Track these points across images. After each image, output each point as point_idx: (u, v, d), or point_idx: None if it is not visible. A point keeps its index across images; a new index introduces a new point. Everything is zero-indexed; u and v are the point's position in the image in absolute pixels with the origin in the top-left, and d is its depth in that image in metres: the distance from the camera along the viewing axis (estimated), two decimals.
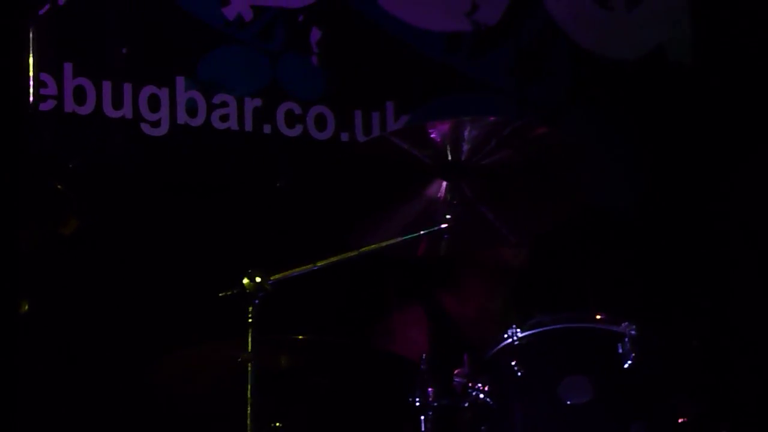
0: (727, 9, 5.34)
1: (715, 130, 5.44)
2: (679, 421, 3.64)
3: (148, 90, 4.73)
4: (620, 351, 3.62)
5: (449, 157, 3.68)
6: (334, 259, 3.53)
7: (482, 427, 3.66)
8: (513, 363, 3.63)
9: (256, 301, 3.44)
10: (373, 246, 3.61)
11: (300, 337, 3.76)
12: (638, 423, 3.56)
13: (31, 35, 2.72)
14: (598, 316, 3.70)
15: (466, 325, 4.50)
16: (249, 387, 3.37)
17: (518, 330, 3.67)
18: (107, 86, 4.65)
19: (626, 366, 3.59)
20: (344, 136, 5.07)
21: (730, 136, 5.28)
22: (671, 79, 5.63)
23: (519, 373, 3.62)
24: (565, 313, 3.73)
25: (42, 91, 4.45)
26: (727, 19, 5.36)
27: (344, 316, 4.70)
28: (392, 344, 4.41)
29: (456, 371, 3.71)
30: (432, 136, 3.64)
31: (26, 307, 2.63)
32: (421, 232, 3.63)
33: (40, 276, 3.21)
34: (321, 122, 5.00)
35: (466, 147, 3.67)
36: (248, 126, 4.89)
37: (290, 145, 4.95)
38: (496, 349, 3.71)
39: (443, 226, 3.64)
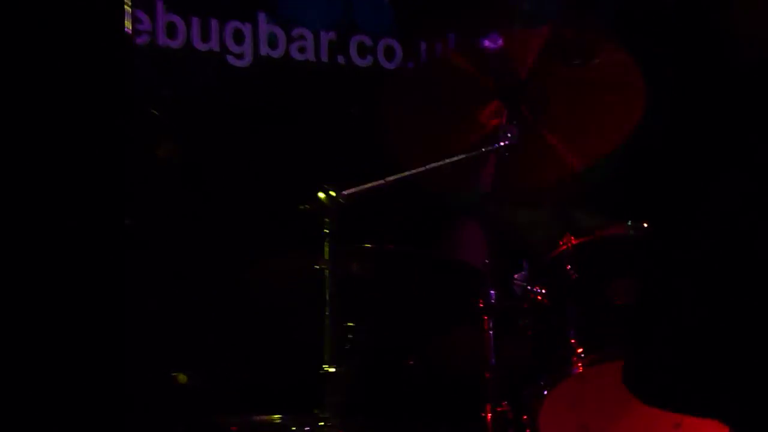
0: None
1: None
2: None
3: (232, 25, 4.73)
4: None
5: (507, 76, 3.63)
6: (401, 175, 3.51)
7: (540, 326, 3.71)
8: (568, 267, 3.67)
9: (332, 214, 3.44)
10: (436, 163, 3.54)
11: (370, 246, 3.74)
12: None
13: None
14: (645, 224, 3.68)
15: (520, 236, 4.36)
16: (327, 291, 3.39)
17: (572, 237, 3.70)
18: (196, 22, 4.66)
19: None
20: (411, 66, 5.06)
21: None
22: None
23: (573, 277, 3.67)
24: (611, 222, 3.74)
25: (138, 27, 4.44)
26: None
27: (411, 229, 4.62)
28: (455, 254, 4.33)
29: (516, 276, 3.81)
30: (487, 46, 3.58)
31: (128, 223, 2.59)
32: (483, 150, 3.57)
33: (139, 194, 3.05)
34: (390, 53, 5.02)
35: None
36: (324, 57, 4.90)
37: (362, 75, 4.94)
38: (552, 255, 3.73)
39: (503, 144, 3.57)
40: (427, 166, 3.53)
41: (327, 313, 3.39)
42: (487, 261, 3.64)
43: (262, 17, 4.80)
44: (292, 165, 4.56)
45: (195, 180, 4.37)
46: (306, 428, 3.55)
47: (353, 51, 4.96)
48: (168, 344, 4.09)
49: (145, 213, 3.08)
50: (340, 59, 4.93)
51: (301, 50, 4.88)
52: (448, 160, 3.56)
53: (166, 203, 4.08)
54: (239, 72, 4.75)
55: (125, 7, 2.68)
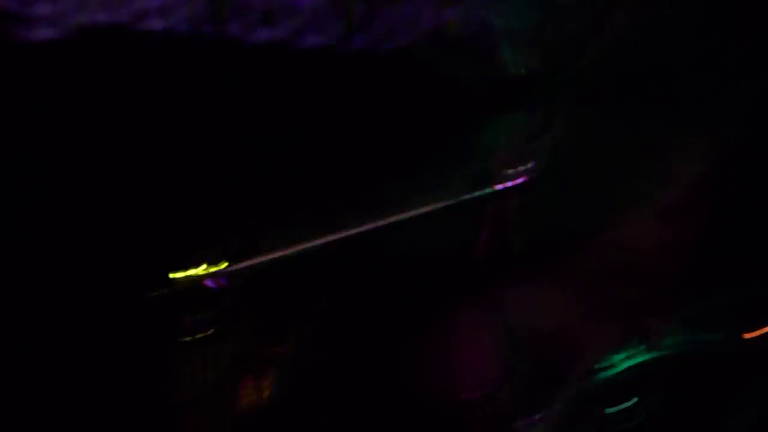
0: None
1: None
2: None
3: None
4: None
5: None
6: (339, 235, 2.03)
7: None
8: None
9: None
10: (409, 213, 2.09)
11: None
12: None
13: None
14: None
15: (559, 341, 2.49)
16: None
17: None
18: None
19: None
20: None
21: None
22: None
23: None
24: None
25: None
26: None
27: (359, 327, 2.42)
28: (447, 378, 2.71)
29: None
30: None
31: None
32: (488, 189, 2.15)
33: None
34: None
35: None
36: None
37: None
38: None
39: (521, 180, 2.15)
40: (389, 219, 2.09)
41: None
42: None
43: None
44: (135, 203, 2.55)
45: None
46: None
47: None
48: None
49: None
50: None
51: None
52: (430, 207, 2.10)
53: None
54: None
55: None
